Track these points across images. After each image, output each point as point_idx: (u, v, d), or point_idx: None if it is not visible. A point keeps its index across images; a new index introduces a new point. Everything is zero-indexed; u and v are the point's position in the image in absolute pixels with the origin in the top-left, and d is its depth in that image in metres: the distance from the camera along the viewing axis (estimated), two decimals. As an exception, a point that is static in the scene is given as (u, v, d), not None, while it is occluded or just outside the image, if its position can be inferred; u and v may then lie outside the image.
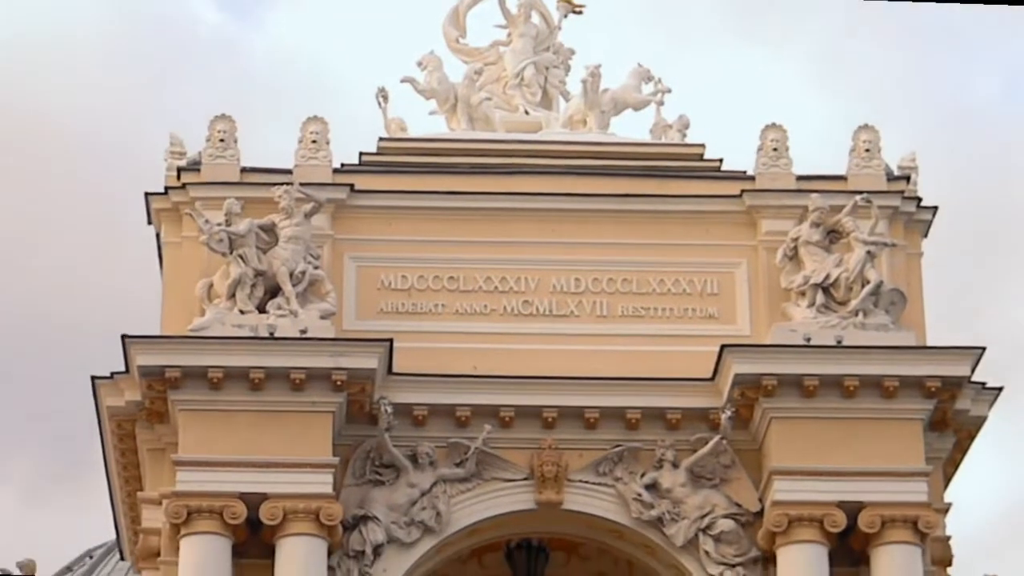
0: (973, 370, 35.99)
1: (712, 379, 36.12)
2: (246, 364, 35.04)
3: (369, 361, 35.29)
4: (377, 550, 35.64)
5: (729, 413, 35.73)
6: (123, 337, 35.47)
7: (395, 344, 35.46)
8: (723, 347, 35.76)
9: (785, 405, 35.80)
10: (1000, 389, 36.90)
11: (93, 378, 36.52)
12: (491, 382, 36.44)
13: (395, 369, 35.70)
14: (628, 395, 36.49)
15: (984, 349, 36.01)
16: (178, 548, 35.08)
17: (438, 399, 36.32)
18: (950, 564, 37.59)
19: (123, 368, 35.80)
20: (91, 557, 53.68)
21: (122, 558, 45.35)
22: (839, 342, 35.89)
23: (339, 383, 35.12)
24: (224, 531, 34.76)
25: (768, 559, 35.77)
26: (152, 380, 35.32)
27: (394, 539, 35.77)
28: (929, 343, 37.11)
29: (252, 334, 35.35)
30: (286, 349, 35.20)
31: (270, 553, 34.96)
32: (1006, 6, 8.95)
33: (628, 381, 36.56)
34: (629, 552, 37.54)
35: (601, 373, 36.64)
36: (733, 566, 35.90)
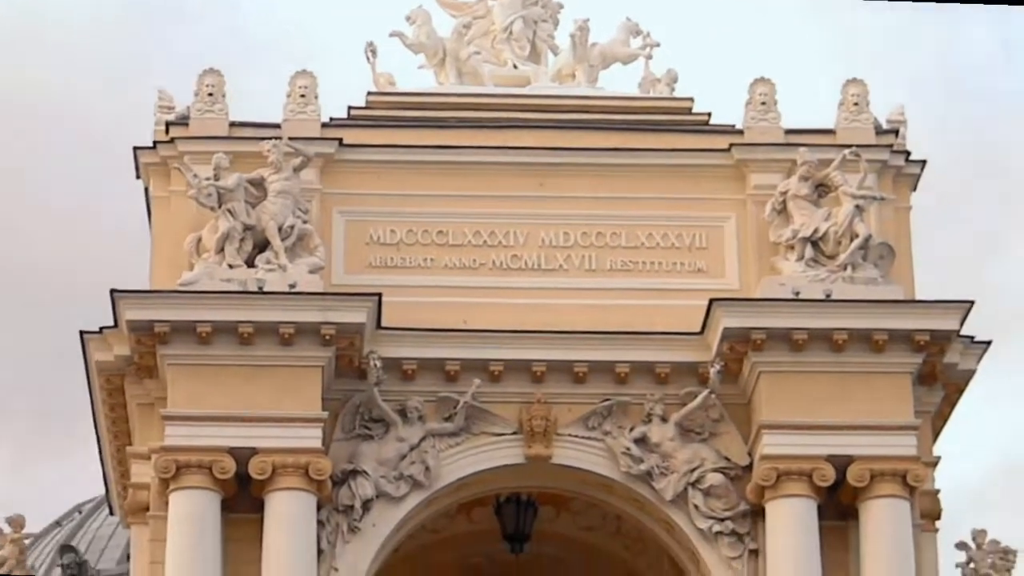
0: (962, 324, 36.17)
1: (701, 333, 36.18)
2: (235, 319, 35.13)
3: (358, 315, 35.37)
4: (366, 504, 35.74)
5: (718, 367, 35.78)
6: (112, 292, 35.42)
7: (384, 298, 35.54)
8: (712, 301, 35.81)
9: (774, 359, 35.89)
10: (989, 343, 37.09)
11: (82, 333, 36.56)
12: (480, 336, 36.54)
13: (384, 323, 35.78)
14: (617, 349, 36.64)
15: (973, 303, 36.17)
16: (167, 503, 35.20)
17: (427, 353, 36.39)
18: (939, 518, 37.86)
19: (112, 323, 35.82)
20: (80, 512, 53.81)
21: (111, 513, 45.42)
22: (828, 296, 35.95)
23: (328, 338, 35.19)
24: (213, 486, 34.86)
25: (757, 513, 35.82)
26: (141, 335, 35.34)
27: (383, 493, 35.86)
28: (918, 297, 37.25)
29: (241, 289, 35.38)
30: (275, 304, 35.35)
31: (259, 508, 35.04)
32: (1006, 6, 8.85)
33: (617, 335, 36.73)
34: (618, 506, 37.65)
35: (590, 327, 36.83)
36: (722, 520, 36.01)
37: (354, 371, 35.91)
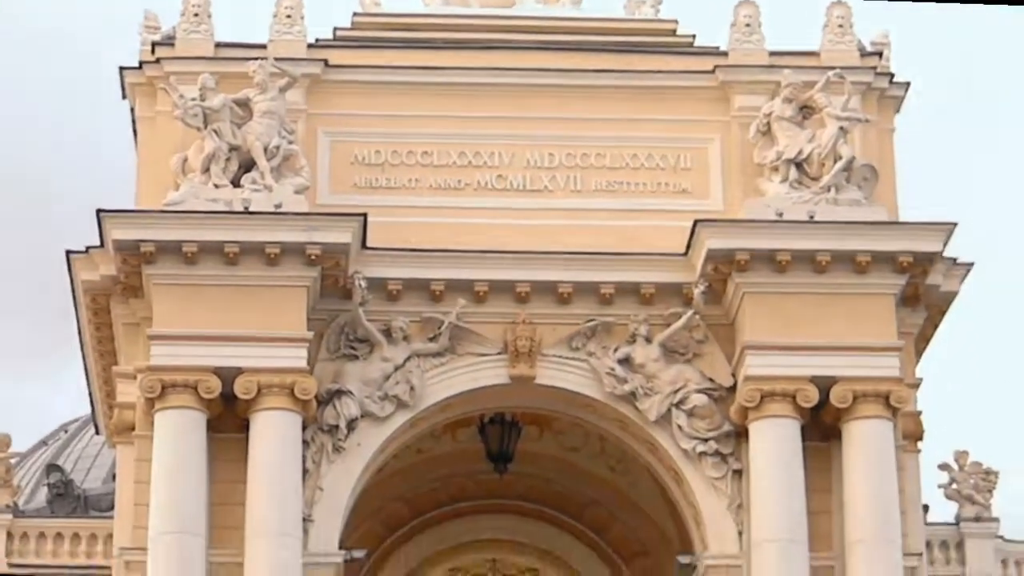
0: (945, 246, 36.34)
1: (685, 254, 36.29)
2: (221, 239, 35.25)
3: (343, 235, 35.48)
4: (351, 424, 35.93)
5: (702, 288, 35.93)
6: (97, 211, 35.54)
7: (369, 219, 35.67)
8: (696, 222, 35.90)
9: (758, 280, 36.03)
10: (971, 265, 37.29)
11: (68, 252, 36.72)
12: (465, 256, 36.63)
13: (369, 243, 35.93)
14: (601, 270, 36.79)
15: (956, 225, 36.27)
16: (153, 422, 35.35)
17: (412, 273, 36.53)
18: (921, 439, 38.11)
19: (98, 243, 35.91)
20: (66, 431, 54.03)
21: (97, 432, 45.79)
22: (811, 217, 36.08)
23: (313, 257, 35.30)
24: (198, 405, 35.04)
25: (740, 434, 36.09)
26: (127, 254, 35.40)
27: (368, 413, 36.07)
28: (901, 219, 37.37)
29: (227, 208, 35.49)
30: (260, 223, 35.46)
31: (244, 428, 35.31)
32: (1006, 6, 8.54)
33: (601, 256, 36.87)
34: (602, 427, 37.85)
35: (575, 248, 36.95)
36: (706, 440, 36.17)
37: (339, 291, 36.05)
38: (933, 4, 11.34)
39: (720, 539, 36.27)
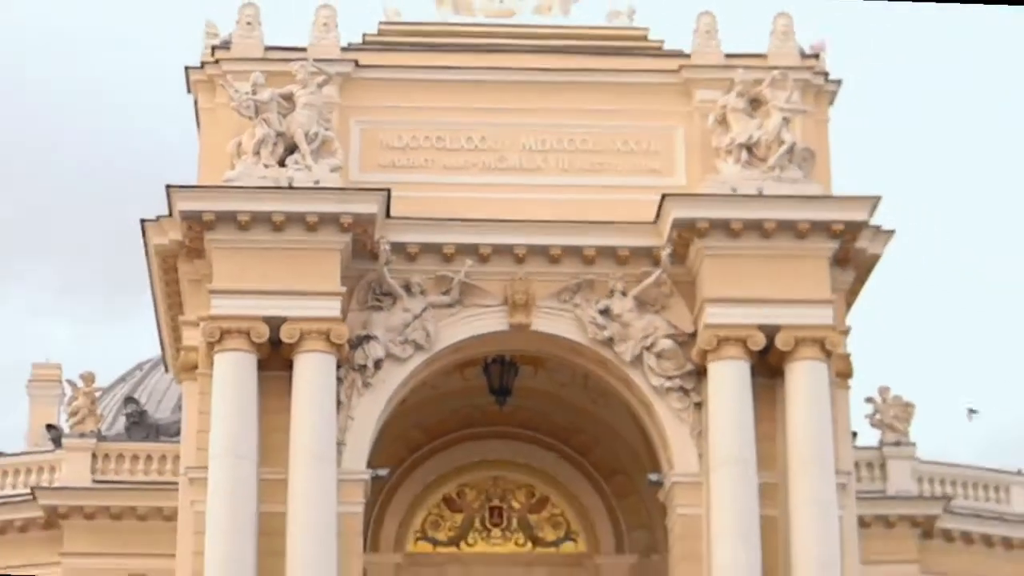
0: (871, 215, 36.86)
1: (655, 223, 36.75)
2: (269, 209, 35.74)
3: (370, 207, 36.00)
4: (377, 364, 36.51)
5: (668, 251, 36.53)
6: (167, 187, 36.04)
7: (392, 193, 36.15)
8: (664, 196, 36.47)
9: (715, 244, 36.43)
10: (893, 231, 37.89)
11: (142, 221, 37.26)
12: (472, 224, 37.13)
13: (392, 214, 36.33)
14: (585, 236, 37.23)
15: (880, 197, 36.79)
16: (212, 363, 35.95)
17: (428, 238, 37.00)
18: (850, 376, 38.60)
19: (167, 213, 36.43)
20: (141, 369, 53.76)
21: (166, 370, 45.77)
22: (760, 192, 36.58)
23: (346, 225, 35.82)
24: (250, 348, 35.62)
25: (700, 372, 36.57)
26: (191, 222, 35.97)
27: (391, 355, 36.62)
28: (834, 193, 37.82)
29: (274, 184, 35.98)
30: (302, 197, 35.97)
31: (288, 367, 35.78)
32: (1006, 6, 7.62)
33: (585, 224, 37.30)
34: (586, 366, 38.32)
35: (563, 217, 37.36)
36: (671, 378, 36.81)
37: (367, 254, 36.44)
38: (884, 5, 11.39)
39: (683, 460, 36.56)
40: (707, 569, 35.86)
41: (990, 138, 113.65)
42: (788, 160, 37.10)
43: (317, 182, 36.26)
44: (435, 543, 43.07)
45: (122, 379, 52.71)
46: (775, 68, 37.88)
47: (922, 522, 44.21)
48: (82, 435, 45.25)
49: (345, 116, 38.02)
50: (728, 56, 38.90)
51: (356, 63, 38.39)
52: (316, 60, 37.34)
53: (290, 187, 36.16)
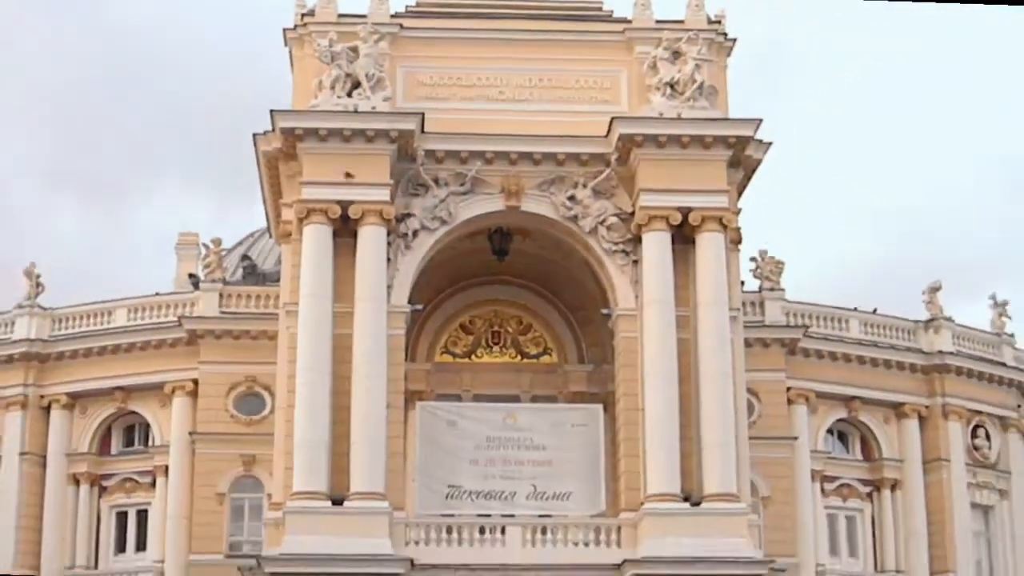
0: (755, 132, 37.18)
1: (606, 136, 36.94)
2: (341, 126, 35.99)
3: (410, 125, 36.29)
4: (415, 233, 36.95)
5: (616, 156, 36.89)
6: (271, 111, 36.50)
7: (425, 116, 36.41)
8: (613, 118, 36.87)
9: (648, 152, 36.62)
10: (771, 143, 37.98)
11: (254, 135, 37.56)
12: (480, 137, 37.30)
13: (425, 130, 36.52)
14: (558, 145, 37.42)
15: (760, 120, 37.18)
16: (301, 232, 36.41)
17: (450, 147, 37.17)
18: (740, 242, 39.07)
19: (271, 129, 36.68)
20: (253, 236, 53.50)
21: (270, 237, 45.58)
22: (679, 116, 36.81)
23: (393, 137, 36.15)
24: (327, 222, 36.02)
25: (637, 240, 36.91)
26: (287, 135, 36.32)
27: (424, 227, 37.05)
28: (730, 116, 37.89)
29: (344, 110, 36.21)
30: (363, 118, 36.15)
31: (354, 235, 36.19)
32: (1006, 6, 6.13)
33: (558, 137, 37.45)
34: (558, 235, 38.50)
35: (542, 133, 37.52)
36: (616, 243, 37.25)
37: (408, 157, 36.61)
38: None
39: (625, 300, 36.94)
40: (640, 372, 36.23)
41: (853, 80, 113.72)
42: (698, 94, 37.15)
43: (374, 108, 36.48)
44: (454, 355, 42.82)
45: (240, 243, 52.37)
46: (690, 30, 37.95)
47: (788, 343, 44.01)
48: (212, 281, 45.20)
49: (393, 63, 37.84)
50: (658, 22, 38.79)
51: (401, 26, 38.35)
52: (374, 24, 37.41)
53: (355, 111, 36.33)
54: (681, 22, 38.79)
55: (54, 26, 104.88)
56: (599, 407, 38.77)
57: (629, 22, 39.23)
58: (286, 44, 39.03)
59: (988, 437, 47.52)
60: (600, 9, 40.92)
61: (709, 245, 36.86)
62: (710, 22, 38.97)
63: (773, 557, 36.69)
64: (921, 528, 45.61)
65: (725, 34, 39.14)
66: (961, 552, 45.44)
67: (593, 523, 36.12)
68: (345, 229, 36.33)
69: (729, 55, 39.44)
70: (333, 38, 36.76)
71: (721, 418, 35.62)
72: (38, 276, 46.93)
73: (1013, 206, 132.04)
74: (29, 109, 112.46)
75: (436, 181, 37.36)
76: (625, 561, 34.59)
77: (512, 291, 43.08)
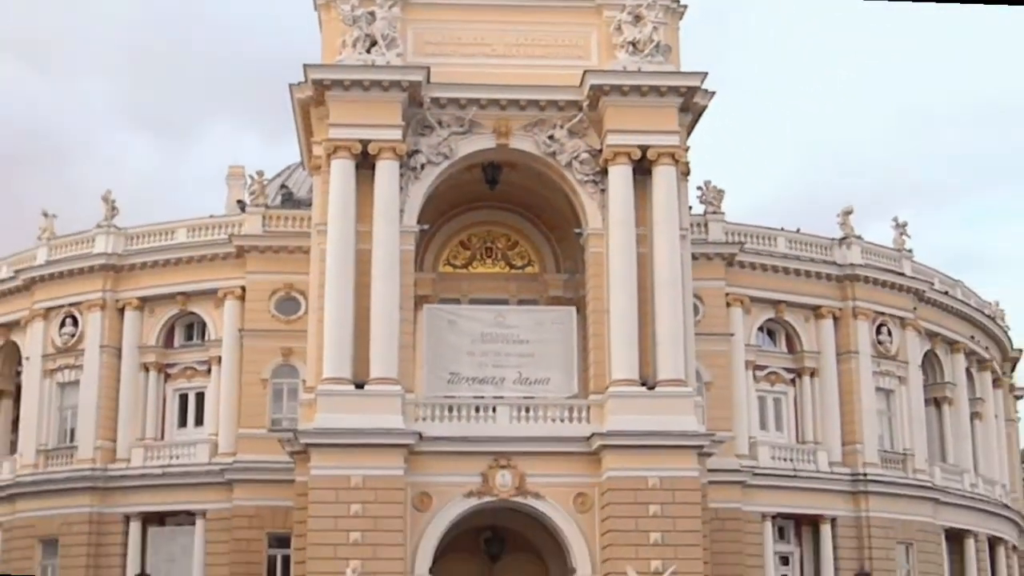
0: (702, 82, 37.01)
1: (579, 86, 36.74)
2: (361, 78, 35.71)
3: (418, 77, 36.05)
4: (422, 166, 36.84)
5: (587, 102, 36.74)
6: (304, 65, 36.37)
7: (431, 69, 36.23)
8: (585, 71, 36.71)
9: (613, 99, 36.38)
10: (715, 92, 37.70)
11: (290, 84, 37.32)
12: (476, 87, 36.96)
13: (431, 81, 36.32)
14: (539, 93, 37.11)
15: (707, 73, 36.97)
16: (329, 165, 36.21)
17: (451, 95, 36.83)
18: (688, 174, 38.98)
19: (304, 79, 36.49)
20: (289, 168, 53.60)
21: (304, 169, 45.45)
22: (639, 69, 36.64)
23: (404, 87, 35.93)
24: (351, 157, 35.87)
25: (604, 172, 36.75)
26: (317, 85, 36.17)
27: (430, 161, 36.90)
28: (682, 70, 37.68)
29: (363, 64, 35.99)
30: (380, 71, 35.86)
31: (373, 168, 36.00)
32: (1006, 6, 5.35)
33: (540, 87, 37.19)
34: (540, 168, 38.15)
35: (527, 83, 37.21)
36: (588, 175, 37.08)
37: (417, 103, 36.35)
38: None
39: (594, 221, 36.84)
40: (606, 281, 36.42)
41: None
42: (655, 52, 37.01)
43: (388, 63, 36.19)
44: (454, 267, 42.64)
45: (279, 174, 52.15)
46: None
47: (727, 257, 44.13)
48: (256, 205, 45.18)
49: (404, 25, 37.33)
50: (622, -8, 38.81)
51: (408, -4, 38.38)
52: (385, -5, 37.46)
53: (372, 66, 36.06)
54: (643, -8, 38.77)
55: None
56: (572, 309, 38.88)
57: (599, -7, 39.26)
58: (315, 9, 38.66)
59: (890, 334, 47.86)
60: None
61: (663, 177, 36.75)
62: (666, -8, 38.99)
63: (714, 431, 37.33)
64: (834, 408, 46.10)
65: (678, 1, 38.85)
66: (867, 427, 45.97)
67: (567, 403, 36.47)
68: (365, 163, 36.13)
69: (681, 18, 39.02)
70: (355, 4, 36.43)
71: (672, 318, 35.87)
72: (113, 201, 46.93)
73: (918, 143, 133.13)
74: (108, 58, 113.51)
75: (439, 123, 37.10)
76: (593, 434, 35.02)
77: (502, 214, 42.63)
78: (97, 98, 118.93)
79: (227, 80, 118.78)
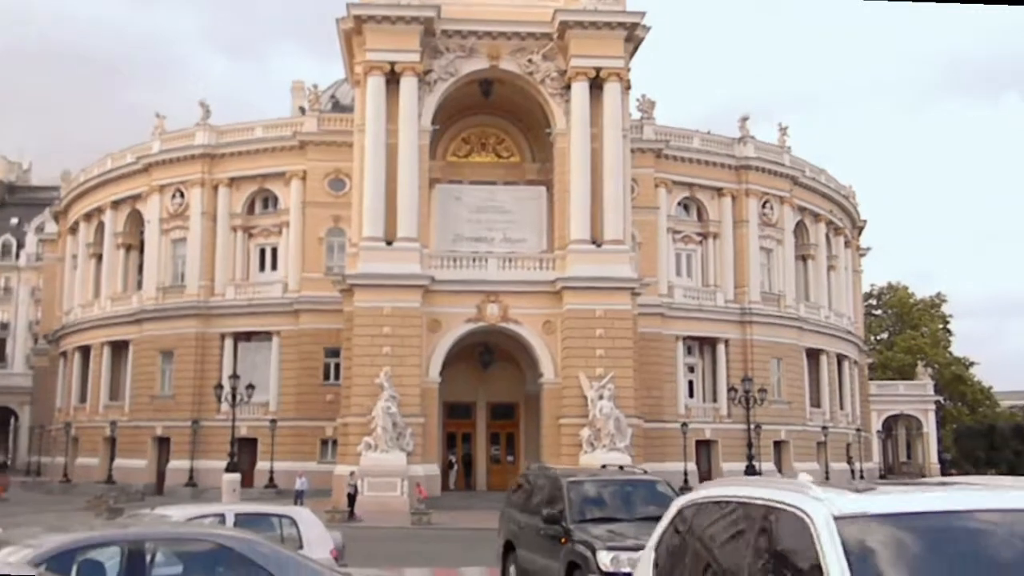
0: (641, 19, 35.81)
1: (551, 22, 35.78)
2: (389, 14, 34.71)
3: (432, 13, 35.06)
4: (435, 81, 36.07)
5: (556, 34, 35.74)
6: (347, 3, 35.16)
7: (441, 8, 35.14)
8: (555, 11, 35.74)
9: (576, 32, 35.61)
10: (651, 27, 36.58)
11: (337, 19, 36.08)
12: (476, 22, 36.01)
13: (441, 16, 35.25)
14: (522, 27, 36.13)
15: (644, 12, 35.92)
16: (367, 80, 35.38)
17: (457, 28, 35.87)
18: (630, 88, 37.67)
19: (347, 14, 35.31)
20: (336, 83, 51.47)
21: (348, 82, 42.98)
22: (595, 9, 35.82)
23: (421, 20, 35.05)
24: (382, 74, 35.13)
25: (568, 87, 36.03)
26: (357, 19, 35.10)
27: (440, 78, 36.18)
28: (627, 9, 36.51)
29: (391, 3, 34.78)
30: (403, 8, 34.82)
31: (398, 82, 35.09)
32: (1006, 6, 4.03)
33: (522, 22, 36.18)
34: (522, 84, 36.95)
35: (513, 19, 36.14)
36: (557, 88, 36.26)
37: (431, 33, 35.31)
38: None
39: (560, 123, 36.23)
40: (568, 168, 35.98)
41: None
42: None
43: (409, 3, 35.15)
44: (458, 157, 41.24)
45: (330, 87, 50.41)
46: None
47: (656, 151, 43.11)
48: (313, 110, 44.20)
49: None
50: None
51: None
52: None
53: (398, 4, 35.03)
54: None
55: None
56: (543, 188, 38.71)
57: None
58: None
59: (772, 208, 47.51)
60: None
61: (611, 91, 36.14)
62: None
63: (642, 277, 37.49)
64: (730, 261, 45.99)
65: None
66: (752, 275, 45.98)
67: (539, 256, 36.64)
68: (393, 78, 35.43)
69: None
70: None
71: (615, 195, 35.79)
72: (207, 106, 45.90)
73: (799, 70, 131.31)
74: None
75: (447, 49, 36.22)
76: (557, 279, 35.27)
77: (493, 119, 41.25)
78: (187, 22, 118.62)
79: (290, 12, 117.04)
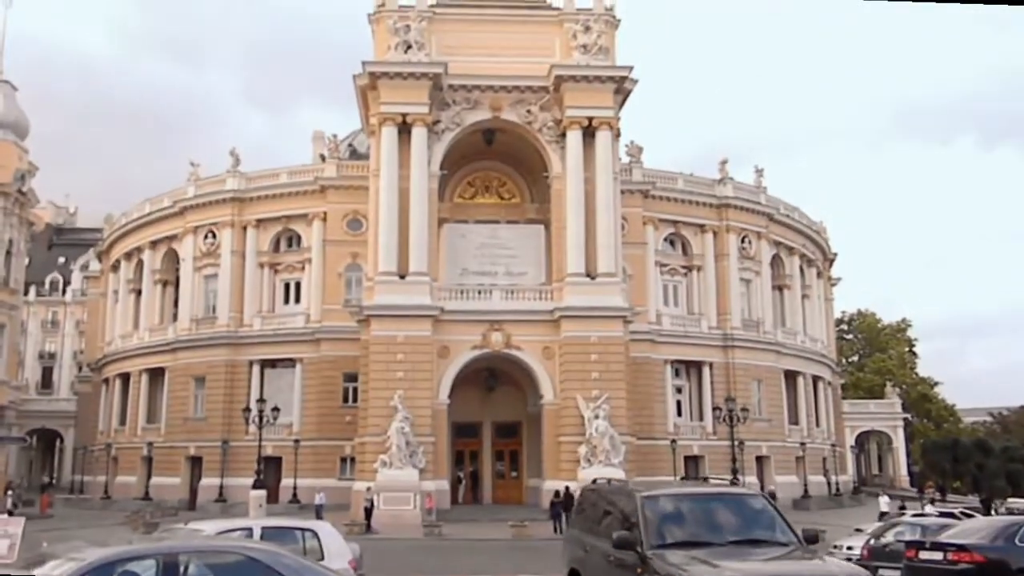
0: (629, 73, 35.97)
1: (547, 76, 35.96)
2: (403, 71, 35.12)
3: (440, 70, 35.26)
4: (443, 131, 36.23)
5: (552, 87, 35.65)
6: (363, 62, 35.54)
7: (448, 65, 35.25)
8: (551, 66, 35.66)
9: (570, 85, 35.58)
10: (638, 80, 36.63)
11: (354, 75, 36.31)
12: (478, 78, 36.04)
13: (448, 72, 35.45)
14: (521, 82, 36.27)
15: (632, 67, 36.01)
16: (380, 130, 35.45)
17: (462, 83, 36.03)
18: (619, 136, 37.66)
19: (362, 71, 35.56)
20: (354, 132, 51.31)
21: (364, 132, 43.72)
22: (588, 64, 35.81)
23: (430, 76, 35.16)
24: (394, 125, 35.19)
25: (563, 135, 36.12)
26: (372, 75, 35.27)
27: (447, 128, 36.30)
28: (617, 64, 36.45)
29: (402, 61, 35.22)
30: (414, 65, 35.04)
31: (409, 131, 35.12)
32: (1006, 6, 3.67)
33: (521, 76, 36.09)
34: (521, 132, 37.11)
35: (513, 74, 36.28)
36: (553, 136, 36.32)
37: (438, 88, 35.66)
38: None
39: (556, 168, 36.30)
40: (564, 208, 35.93)
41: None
42: (599, 52, 36.40)
43: (419, 60, 35.44)
44: (464, 198, 41.21)
45: (347, 136, 50.36)
46: (594, 15, 36.77)
47: (643, 192, 43.07)
48: (331, 157, 44.01)
49: (430, 34, 36.41)
50: (577, 9, 37.32)
51: (434, 12, 36.79)
52: (419, 11, 36.16)
53: (409, 62, 35.33)
54: (590, 10, 37.45)
55: None
56: (542, 226, 38.66)
57: (561, 10, 37.71)
58: (370, 23, 37.54)
59: (750, 243, 47.42)
60: (545, 1, 39.21)
61: (602, 138, 36.21)
62: (606, 9, 37.50)
63: (633, 306, 37.37)
64: (712, 291, 45.88)
65: (615, 16, 37.62)
66: (733, 304, 45.85)
67: (539, 288, 36.51)
68: (405, 128, 35.53)
69: (617, 28, 37.82)
70: (396, 20, 35.68)
71: (607, 232, 35.74)
72: (237, 154, 46.10)
73: (775, 116, 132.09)
74: (230, 55, 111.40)
75: (453, 101, 36.42)
76: (555, 308, 35.15)
77: (495, 164, 41.25)
78: (219, 79, 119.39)
79: (311, 72, 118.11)
